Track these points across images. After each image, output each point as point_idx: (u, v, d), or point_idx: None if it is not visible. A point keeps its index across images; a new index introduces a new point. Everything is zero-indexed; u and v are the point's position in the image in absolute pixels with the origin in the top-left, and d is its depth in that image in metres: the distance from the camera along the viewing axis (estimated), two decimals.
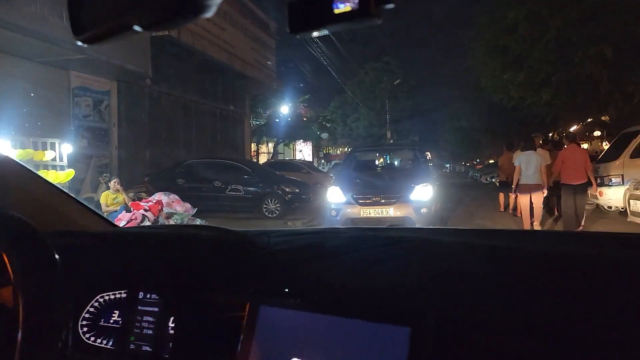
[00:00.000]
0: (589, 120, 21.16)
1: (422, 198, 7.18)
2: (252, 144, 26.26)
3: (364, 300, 0.82)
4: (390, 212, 7.18)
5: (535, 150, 7.59)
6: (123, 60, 11.38)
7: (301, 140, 26.22)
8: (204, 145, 17.18)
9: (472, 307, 0.75)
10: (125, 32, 0.47)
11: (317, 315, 0.80)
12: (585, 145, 32.60)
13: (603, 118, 19.19)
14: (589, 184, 7.39)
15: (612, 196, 9.06)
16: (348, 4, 0.44)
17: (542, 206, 7.72)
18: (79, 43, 0.52)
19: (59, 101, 11.11)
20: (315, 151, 40.03)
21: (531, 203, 7.41)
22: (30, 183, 1.23)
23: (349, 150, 12.91)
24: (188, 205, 7.71)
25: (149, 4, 0.44)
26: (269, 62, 20.31)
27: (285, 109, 28.03)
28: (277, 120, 23.85)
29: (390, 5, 0.45)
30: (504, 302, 0.75)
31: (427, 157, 10.04)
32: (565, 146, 7.73)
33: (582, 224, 7.47)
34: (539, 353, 0.65)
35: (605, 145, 26.25)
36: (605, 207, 9.94)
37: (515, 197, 8.64)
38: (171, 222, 7.11)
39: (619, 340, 0.64)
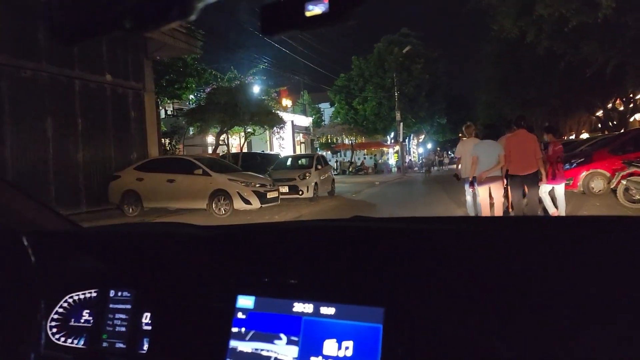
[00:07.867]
0: None
1: None
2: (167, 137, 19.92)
3: (341, 284, 0.91)
4: None
5: (491, 139, 7.04)
6: None
7: (277, 128, 19.36)
8: (38, 139, 10.85)
9: (440, 286, 0.83)
10: (106, 33, 0.47)
11: (298, 301, 0.89)
12: None
13: None
14: (539, 173, 6.72)
15: None
16: (318, 7, 0.44)
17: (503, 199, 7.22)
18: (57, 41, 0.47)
19: None
20: (309, 141, 33.10)
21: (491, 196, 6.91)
22: None
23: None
24: None
25: (133, 9, 0.43)
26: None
27: (256, 88, 21.42)
28: (217, 100, 16.97)
29: (360, 7, 0.44)
30: (471, 280, 0.82)
31: None
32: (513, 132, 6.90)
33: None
34: (507, 330, 0.72)
35: None
36: None
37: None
38: None
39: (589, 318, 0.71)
